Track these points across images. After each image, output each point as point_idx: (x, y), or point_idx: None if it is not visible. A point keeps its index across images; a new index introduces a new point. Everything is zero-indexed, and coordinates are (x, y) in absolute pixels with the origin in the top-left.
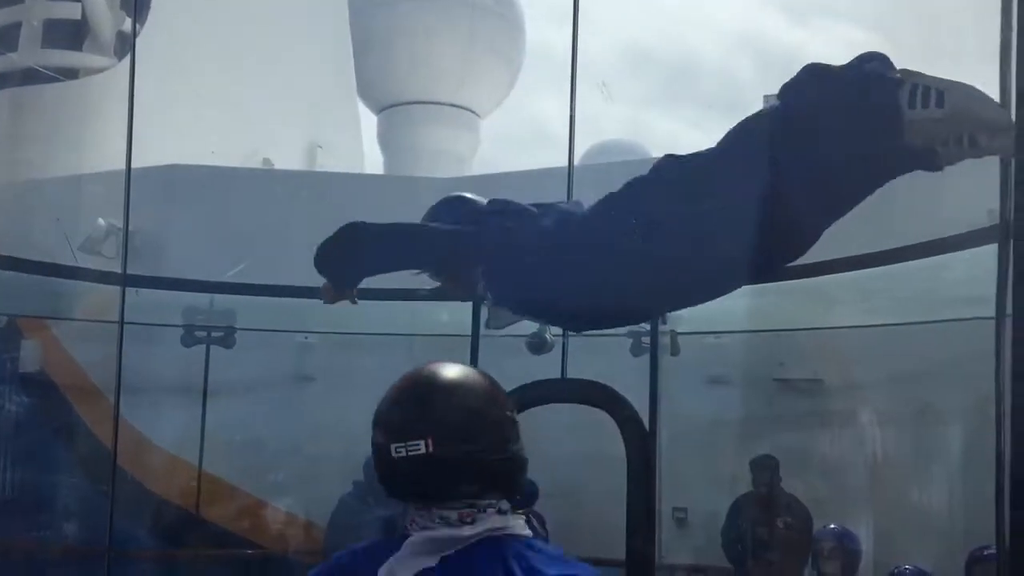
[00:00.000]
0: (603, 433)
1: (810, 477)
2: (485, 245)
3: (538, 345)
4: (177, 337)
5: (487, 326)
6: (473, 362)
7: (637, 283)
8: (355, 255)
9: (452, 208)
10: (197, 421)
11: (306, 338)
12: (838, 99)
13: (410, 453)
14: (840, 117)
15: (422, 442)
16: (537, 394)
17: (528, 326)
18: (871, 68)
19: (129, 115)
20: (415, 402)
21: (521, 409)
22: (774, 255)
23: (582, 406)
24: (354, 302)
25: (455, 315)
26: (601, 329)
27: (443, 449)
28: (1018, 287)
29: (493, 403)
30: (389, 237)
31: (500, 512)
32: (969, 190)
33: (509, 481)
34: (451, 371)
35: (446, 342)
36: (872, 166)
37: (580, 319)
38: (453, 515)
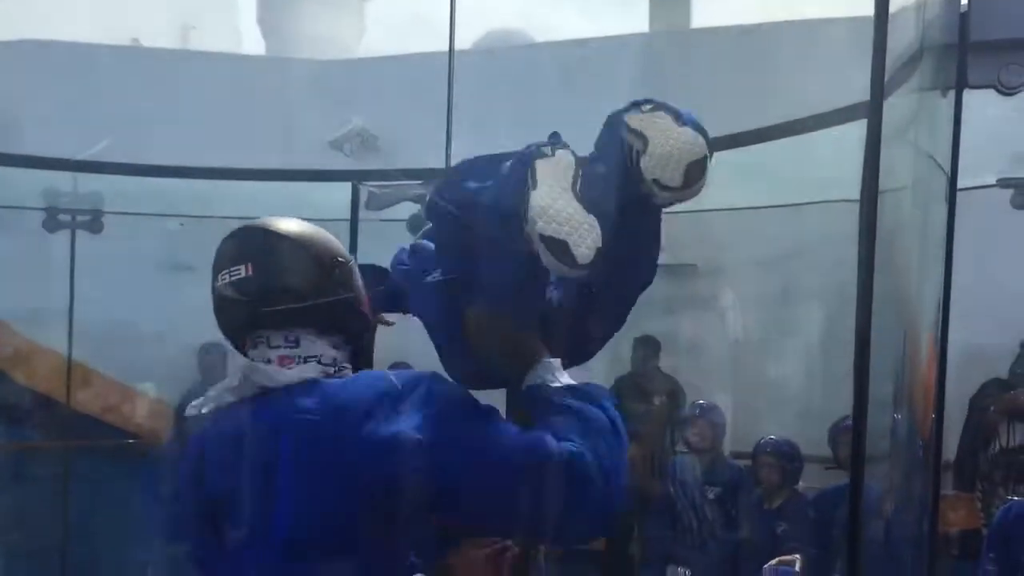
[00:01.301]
0: None
1: (683, 358)
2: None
3: (418, 226)
4: (39, 222)
5: (366, 207)
6: (352, 245)
7: None
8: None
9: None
10: (64, 310)
11: (181, 224)
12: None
13: (232, 279)
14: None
15: (243, 267)
16: None
17: (408, 207)
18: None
19: None
20: (242, 234)
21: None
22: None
23: None
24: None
25: (333, 197)
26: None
27: (263, 276)
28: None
29: (321, 245)
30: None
31: (320, 363)
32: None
33: (332, 322)
34: (283, 220)
35: (325, 226)
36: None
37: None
38: (274, 355)
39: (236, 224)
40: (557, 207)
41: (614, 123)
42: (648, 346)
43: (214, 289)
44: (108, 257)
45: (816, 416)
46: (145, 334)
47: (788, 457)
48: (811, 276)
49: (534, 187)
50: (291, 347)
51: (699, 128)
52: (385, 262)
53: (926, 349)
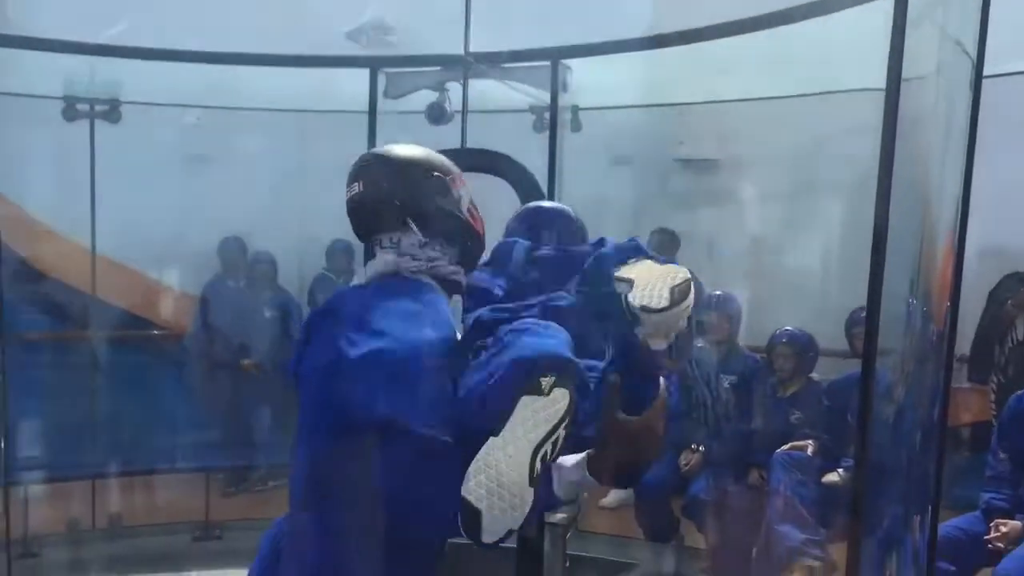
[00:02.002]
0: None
1: (703, 253)
2: None
3: (438, 114)
4: (58, 111)
5: (384, 95)
6: (371, 134)
7: None
8: None
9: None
10: (86, 201)
11: (198, 119)
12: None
13: (351, 194)
14: None
15: (357, 184)
16: None
17: (426, 96)
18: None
19: None
20: (360, 160)
21: None
22: None
23: (484, 179)
24: None
25: (352, 87)
26: None
27: (369, 191)
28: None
29: (420, 163)
30: None
31: (414, 260)
32: None
33: (428, 226)
34: (395, 146)
35: (344, 117)
36: None
37: None
38: (381, 253)
39: (252, 115)
40: (493, 472)
41: (602, 277)
42: (665, 236)
43: (346, 198)
44: (127, 148)
45: (834, 310)
46: (165, 226)
47: (802, 346)
48: (831, 169)
49: (495, 434)
50: (393, 247)
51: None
52: None
53: (944, 243)
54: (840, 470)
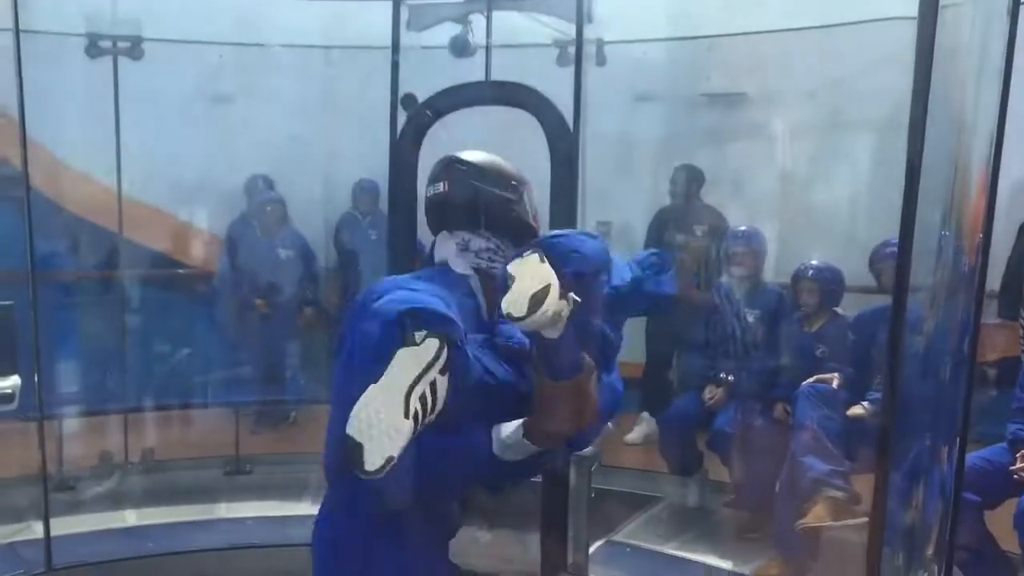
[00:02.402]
0: (526, 144)
1: (729, 189)
2: None
3: (461, 47)
4: (80, 48)
5: (407, 27)
6: (394, 69)
7: None
8: None
9: None
10: (111, 140)
11: (220, 56)
12: None
13: (433, 192)
14: None
15: (441, 184)
16: (463, 97)
17: (449, 29)
18: None
19: None
20: (444, 162)
21: (446, 111)
22: None
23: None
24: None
25: (374, 21)
26: None
27: (452, 192)
28: None
29: (501, 174)
30: None
31: (477, 256)
32: None
33: (492, 226)
34: (472, 152)
35: (367, 53)
36: None
37: None
38: (450, 245)
39: (274, 52)
40: (371, 408)
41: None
42: (689, 172)
43: (425, 195)
44: (149, 86)
45: (862, 244)
46: (190, 165)
47: (827, 280)
48: (862, 101)
49: (375, 380)
50: (462, 245)
51: (569, 254)
52: (427, 88)
53: (977, 177)
54: (865, 403)
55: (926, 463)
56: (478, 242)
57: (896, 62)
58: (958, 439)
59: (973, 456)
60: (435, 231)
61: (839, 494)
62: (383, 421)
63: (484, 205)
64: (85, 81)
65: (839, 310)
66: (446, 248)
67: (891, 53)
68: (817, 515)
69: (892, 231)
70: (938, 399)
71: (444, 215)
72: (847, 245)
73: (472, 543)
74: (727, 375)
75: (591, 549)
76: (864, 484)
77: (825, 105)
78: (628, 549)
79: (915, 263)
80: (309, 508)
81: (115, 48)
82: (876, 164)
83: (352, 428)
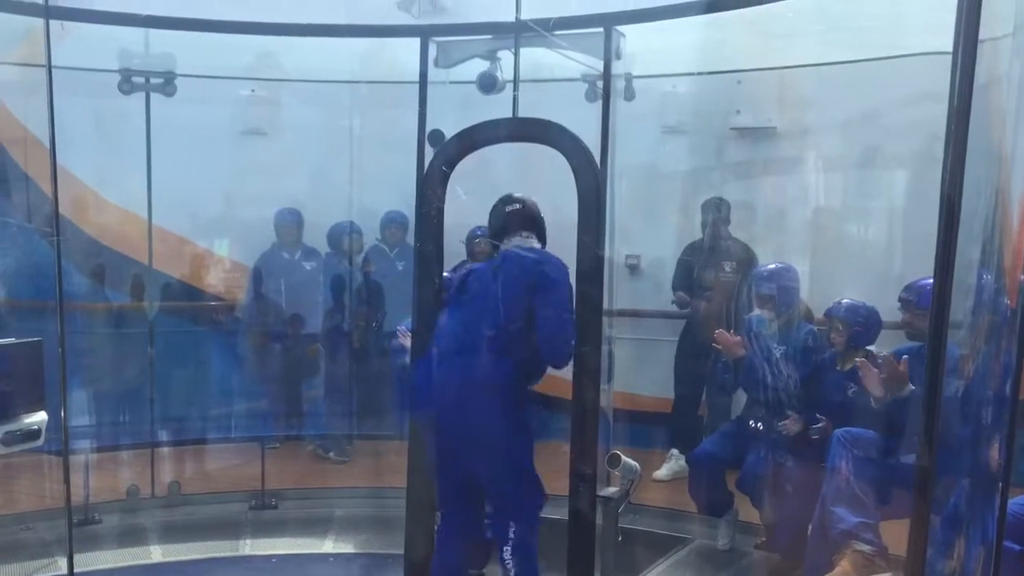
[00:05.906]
0: (553, 179)
1: (759, 224)
2: None
3: (490, 83)
4: (114, 83)
5: (436, 64)
6: (422, 103)
7: None
8: None
9: None
10: (142, 173)
11: (252, 90)
12: None
13: (508, 208)
14: None
15: (517, 204)
16: (490, 133)
17: (478, 65)
18: None
19: None
20: (509, 198)
21: (474, 148)
22: None
23: (535, 149)
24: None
25: (403, 58)
26: None
27: (521, 209)
28: None
29: (531, 203)
30: None
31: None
32: None
33: (534, 230)
34: (521, 195)
35: (397, 87)
36: None
37: None
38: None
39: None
40: None
41: None
42: (716, 206)
43: (500, 208)
44: (182, 121)
45: (896, 281)
46: (220, 198)
47: (861, 319)
48: (894, 136)
49: None
50: (524, 240)
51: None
52: (454, 124)
53: (1019, 211)
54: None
55: (966, 509)
56: (530, 240)
57: (928, 96)
58: (1000, 484)
59: (1014, 503)
60: (497, 235)
61: (867, 548)
62: None
63: (535, 219)
64: (118, 115)
65: (873, 348)
66: (519, 242)
67: (923, 87)
68: (844, 569)
69: (927, 267)
70: (978, 442)
71: (513, 223)
72: (881, 283)
73: None
74: (757, 423)
75: None
76: (899, 530)
77: (856, 139)
78: None
79: (953, 303)
80: (332, 546)
81: (148, 84)
82: (911, 198)
83: None
